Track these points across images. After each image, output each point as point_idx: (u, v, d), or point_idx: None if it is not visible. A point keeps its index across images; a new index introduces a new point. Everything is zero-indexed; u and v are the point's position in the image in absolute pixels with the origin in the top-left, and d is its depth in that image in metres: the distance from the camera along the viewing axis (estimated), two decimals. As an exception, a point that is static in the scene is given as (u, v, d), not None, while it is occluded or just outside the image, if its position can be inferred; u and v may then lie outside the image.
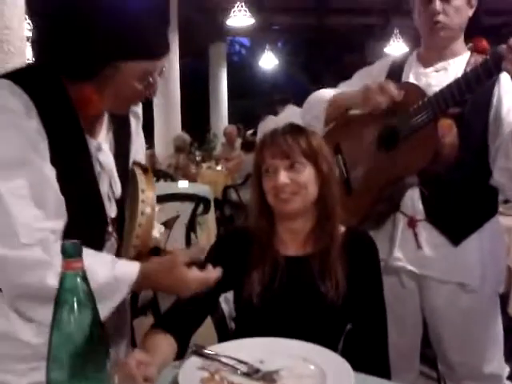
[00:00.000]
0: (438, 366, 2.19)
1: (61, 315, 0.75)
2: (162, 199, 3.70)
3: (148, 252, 1.24)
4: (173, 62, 7.47)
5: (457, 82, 1.48)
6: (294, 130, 1.39)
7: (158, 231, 1.41)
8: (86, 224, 1.15)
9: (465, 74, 1.48)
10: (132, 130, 1.35)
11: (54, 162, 1.08)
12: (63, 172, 1.09)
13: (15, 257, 1.01)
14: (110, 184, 1.23)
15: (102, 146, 1.21)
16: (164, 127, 7.54)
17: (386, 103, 1.60)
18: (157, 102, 7.52)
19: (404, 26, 8.11)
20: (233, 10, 6.92)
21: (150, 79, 1.12)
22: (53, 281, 0.95)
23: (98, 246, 1.20)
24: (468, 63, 1.63)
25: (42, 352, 1.10)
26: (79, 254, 0.75)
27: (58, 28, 1.03)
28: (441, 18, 1.59)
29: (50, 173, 1.07)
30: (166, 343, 1.23)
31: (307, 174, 1.35)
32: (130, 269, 1.10)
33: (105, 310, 1.05)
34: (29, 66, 1.22)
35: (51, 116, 1.08)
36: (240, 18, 6.97)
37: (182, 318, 1.32)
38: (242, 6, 6.86)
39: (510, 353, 1.76)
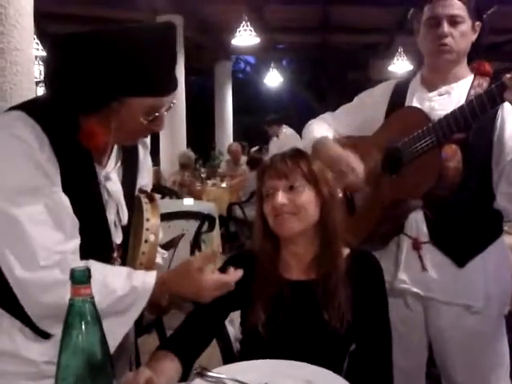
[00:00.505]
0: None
1: (69, 338, 0.77)
2: (167, 217, 3.70)
3: None
4: (179, 80, 7.50)
5: (461, 108, 1.49)
6: (295, 153, 1.39)
7: (160, 257, 1.43)
8: (92, 249, 1.17)
9: (470, 102, 1.48)
10: (140, 159, 1.38)
11: (65, 190, 1.11)
12: (73, 200, 1.12)
13: (35, 279, 1.05)
14: (117, 211, 1.26)
15: (111, 175, 1.24)
16: (169, 144, 7.57)
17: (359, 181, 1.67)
18: (162, 120, 7.57)
19: (408, 44, 8.16)
20: (238, 30, 6.99)
21: (157, 114, 1.14)
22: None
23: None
24: (472, 86, 1.64)
25: (47, 370, 1.14)
26: (88, 281, 0.77)
27: (70, 62, 1.06)
28: (448, 40, 1.61)
29: (64, 197, 1.11)
30: (170, 365, 1.24)
31: (306, 195, 1.34)
32: (148, 278, 1.14)
33: (128, 321, 1.11)
34: (41, 98, 1.25)
35: (63, 147, 1.11)
36: (245, 38, 7.03)
37: (187, 340, 1.32)
38: (247, 26, 6.92)
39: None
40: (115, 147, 1.28)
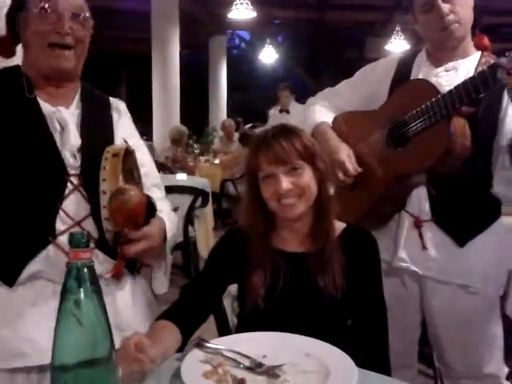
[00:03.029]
0: (435, 364, 2.20)
1: (67, 305, 0.74)
2: (160, 191, 3.69)
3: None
4: (173, 55, 7.44)
5: (473, 78, 1.46)
6: (286, 131, 1.36)
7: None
8: (42, 169, 1.24)
9: (482, 71, 1.45)
10: (114, 121, 1.44)
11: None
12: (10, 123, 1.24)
13: None
14: (69, 138, 1.30)
15: (61, 109, 1.32)
16: (163, 120, 7.51)
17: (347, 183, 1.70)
18: (156, 94, 7.50)
19: (406, 22, 8.08)
20: (234, 3, 6.87)
21: (48, 4, 1.23)
22: None
23: (57, 194, 1.25)
24: (479, 63, 1.61)
25: (12, 349, 1.17)
26: (87, 245, 0.74)
27: None
28: (451, 18, 1.57)
29: None
30: (170, 333, 1.23)
31: (307, 175, 1.34)
32: None
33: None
34: None
35: None
36: (241, 11, 6.93)
37: (187, 311, 1.32)
38: (243, -1, 6.82)
39: (509, 353, 1.76)
40: (77, 99, 1.38)
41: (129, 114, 1.53)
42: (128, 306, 1.36)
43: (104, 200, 1.17)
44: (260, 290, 1.32)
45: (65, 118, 1.31)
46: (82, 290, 0.74)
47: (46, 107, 1.30)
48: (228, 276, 1.40)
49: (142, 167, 1.38)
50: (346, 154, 1.70)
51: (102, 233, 1.22)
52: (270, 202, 1.35)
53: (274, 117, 7.10)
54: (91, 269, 0.75)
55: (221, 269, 1.40)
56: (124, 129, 1.45)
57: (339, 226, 1.41)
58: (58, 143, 1.28)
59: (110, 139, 1.39)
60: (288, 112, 6.94)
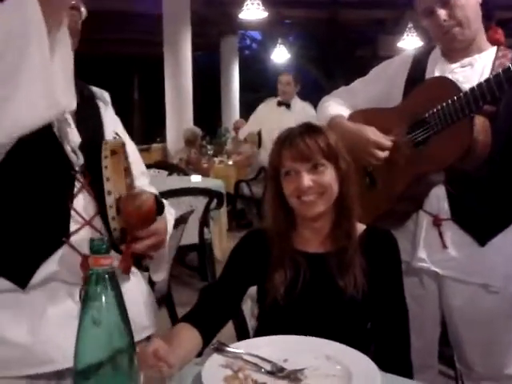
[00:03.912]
0: (455, 365, 2.17)
1: (89, 311, 0.74)
2: (175, 193, 3.70)
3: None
4: (185, 56, 7.47)
5: (496, 76, 1.43)
6: (311, 129, 1.37)
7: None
8: (48, 166, 1.20)
9: (507, 69, 1.42)
10: (101, 113, 1.40)
11: None
12: None
13: None
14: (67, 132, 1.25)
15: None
16: (176, 121, 7.54)
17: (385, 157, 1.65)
18: (169, 96, 7.53)
19: (418, 19, 8.02)
20: (245, 4, 6.87)
21: None
22: None
23: (67, 193, 1.22)
24: (496, 57, 1.59)
25: (37, 355, 1.11)
26: (107, 251, 0.74)
27: None
28: (450, 24, 1.56)
29: None
30: (190, 337, 1.23)
31: (329, 174, 1.35)
32: None
33: None
34: None
35: None
36: (253, 12, 6.91)
37: (208, 314, 1.32)
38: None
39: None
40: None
41: (111, 104, 1.49)
42: (132, 299, 1.35)
43: (109, 200, 1.16)
44: (280, 288, 1.33)
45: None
46: (103, 296, 0.74)
47: None
48: (249, 277, 1.40)
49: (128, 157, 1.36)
50: (371, 131, 1.68)
51: (110, 232, 1.22)
52: (291, 198, 1.36)
53: (267, 110, 5.55)
54: (112, 274, 0.75)
55: (242, 270, 1.40)
56: (112, 118, 1.44)
57: (360, 227, 1.41)
58: (59, 138, 1.24)
59: (102, 131, 1.37)
60: (289, 106, 5.35)
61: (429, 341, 1.77)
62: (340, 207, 1.38)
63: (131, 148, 1.45)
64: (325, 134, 1.37)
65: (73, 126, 1.27)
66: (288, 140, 1.36)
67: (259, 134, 5.87)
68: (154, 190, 1.47)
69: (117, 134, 1.31)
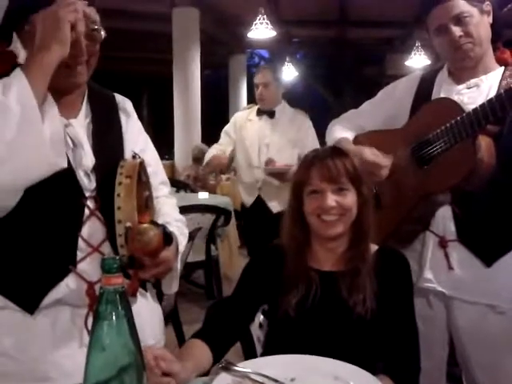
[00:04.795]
0: (464, 386, 2.15)
1: (100, 330, 0.75)
2: (182, 211, 3.68)
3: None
4: (194, 74, 7.54)
5: (499, 96, 1.45)
6: (339, 152, 1.43)
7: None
8: (59, 195, 1.20)
9: (510, 88, 1.44)
10: (122, 125, 1.39)
11: None
12: None
13: None
14: (81, 157, 1.25)
15: (72, 122, 1.26)
16: (184, 138, 7.59)
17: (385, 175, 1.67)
18: (177, 113, 7.59)
19: (426, 38, 8.06)
20: (254, 23, 6.95)
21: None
22: None
23: (76, 222, 1.22)
24: (503, 77, 1.60)
25: (36, 372, 1.13)
26: (118, 270, 0.75)
27: None
28: (462, 41, 1.58)
29: None
30: (201, 350, 1.25)
31: (351, 197, 1.38)
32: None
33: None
34: None
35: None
36: (261, 31, 6.98)
37: (219, 330, 1.33)
38: (263, 19, 6.88)
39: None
40: (84, 105, 1.31)
41: (135, 112, 1.48)
42: (140, 317, 1.36)
43: (119, 229, 1.17)
44: (291, 302, 1.35)
45: (77, 133, 1.26)
46: (113, 314, 0.75)
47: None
48: (262, 293, 1.42)
49: (149, 166, 1.37)
50: (369, 151, 1.70)
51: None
52: (311, 216, 1.39)
53: (243, 122, 3.67)
54: (123, 294, 0.76)
55: (255, 286, 1.42)
56: (133, 131, 1.43)
57: (372, 247, 1.43)
58: (72, 163, 1.23)
59: (121, 149, 1.36)
60: (272, 115, 3.49)
61: (437, 361, 1.76)
62: (357, 230, 1.40)
63: (153, 157, 1.46)
64: (350, 157, 1.42)
65: (87, 148, 1.27)
66: (317, 159, 1.40)
67: (231, 157, 3.88)
68: (174, 200, 1.49)
69: (135, 153, 1.30)
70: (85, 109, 1.32)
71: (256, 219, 3.49)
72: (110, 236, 1.23)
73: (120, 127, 1.39)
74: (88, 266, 1.22)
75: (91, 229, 1.24)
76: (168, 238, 1.19)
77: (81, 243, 1.23)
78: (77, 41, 1.16)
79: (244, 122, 3.68)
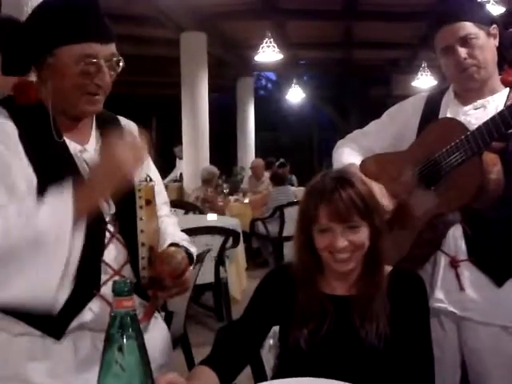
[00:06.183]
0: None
1: (110, 352, 0.76)
2: (191, 232, 3.71)
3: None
4: (202, 96, 7.62)
5: (502, 113, 1.45)
6: (345, 182, 1.34)
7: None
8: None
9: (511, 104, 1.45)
10: None
11: (30, 157, 1.19)
12: (43, 167, 1.19)
13: None
14: None
15: (87, 147, 1.29)
16: (193, 161, 7.64)
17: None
18: (186, 136, 7.65)
19: (432, 58, 8.13)
20: (261, 46, 7.03)
21: (88, 60, 1.20)
22: None
23: (98, 248, 1.24)
24: (508, 98, 1.61)
25: None
26: (130, 293, 0.76)
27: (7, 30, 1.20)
28: (468, 63, 1.59)
29: (17, 161, 1.16)
30: (209, 379, 1.23)
31: (363, 233, 1.33)
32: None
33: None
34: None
35: (19, 117, 1.20)
36: (268, 54, 7.07)
37: (227, 355, 1.32)
38: (270, 42, 6.97)
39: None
40: (94, 129, 1.35)
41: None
42: (150, 339, 1.36)
43: (143, 251, 1.18)
44: (303, 330, 1.32)
45: (93, 158, 1.28)
46: (124, 337, 0.75)
47: (72, 146, 1.29)
48: (273, 316, 1.40)
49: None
50: (377, 189, 1.67)
51: (139, 279, 1.24)
52: (323, 252, 1.35)
53: None
54: (134, 317, 0.76)
55: (266, 309, 1.40)
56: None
57: (385, 269, 1.40)
58: None
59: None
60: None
61: (450, 383, 1.74)
62: (370, 259, 1.37)
63: (156, 177, 1.48)
64: (359, 190, 1.34)
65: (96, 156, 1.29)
66: (325, 194, 1.32)
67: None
68: (175, 219, 1.52)
69: (148, 176, 1.32)
70: (95, 133, 1.36)
71: None
72: (132, 258, 1.26)
73: None
74: (110, 289, 1.23)
75: (113, 252, 1.27)
76: (191, 258, 1.22)
77: (104, 267, 1.25)
78: (100, 69, 1.22)
79: None
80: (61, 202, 1.09)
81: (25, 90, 1.25)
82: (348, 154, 1.88)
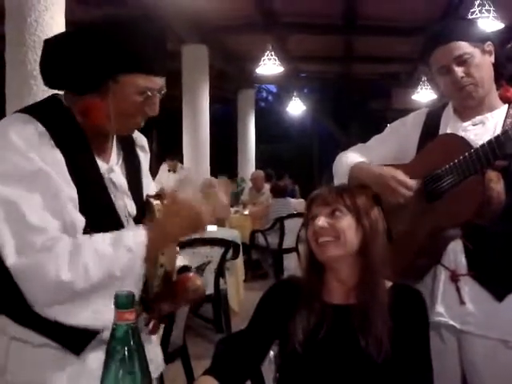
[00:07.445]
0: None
1: (112, 365, 0.76)
2: (191, 243, 3.71)
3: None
4: (203, 108, 7.65)
5: (505, 132, 1.46)
6: (341, 187, 1.48)
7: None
8: None
9: None
10: (141, 162, 1.44)
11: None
12: (79, 191, 1.18)
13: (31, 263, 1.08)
14: (125, 204, 1.29)
15: (114, 167, 1.30)
16: (193, 172, 7.64)
17: (409, 196, 1.62)
18: (186, 147, 7.67)
19: (432, 77, 8.16)
20: (262, 59, 7.08)
21: (149, 93, 1.22)
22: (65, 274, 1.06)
23: None
24: (508, 115, 1.62)
25: None
26: (132, 305, 0.76)
27: (68, 45, 1.19)
28: (466, 81, 1.60)
29: (66, 187, 1.16)
30: None
31: (346, 221, 1.37)
32: (137, 232, 1.15)
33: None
34: (41, 100, 1.33)
35: (62, 139, 1.19)
36: (269, 67, 7.12)
37: (231, 366, 1.33)
38: (271, 55, 7.01)
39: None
40: (114, 143, 1.35)
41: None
42: (149, 351, 1.37)
43: (160, 271, 1.20)
44: (300, 336, 1.34)
45: (119, 178, 1.30)
46: (125, 350, 0.76)
47: (101, 166, 1.28)
48: (276, 328, 1.41)
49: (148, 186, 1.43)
50: (398, 172, 1.67)
51: (146, 293, 1.24)
52: (311, 242, 1.39)
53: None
54: (135, 330, 0.77)
55: (269, 321, 1.42)
56: (146, 166, 1.47)
57: (386, 284, 1.42)
58: (117, 208, 1.27)
59: (142, 186, 1.40)
60: None
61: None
62: (363, 262, 1.39)
63: (154, 188, 1.49)
64: (353, 192, 1.43)
65: (129, 194, 1.31)
66: (317, 193, 1.44)
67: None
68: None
69: (162, 192, 1.33)
70: (116, 150, 1.36)
71: None
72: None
73: (139, 163, 1.43)
74: None
75: None
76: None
77: None
78: (155, 95, 1.25)
79: None
80: (136, 245, 1.12)
81: (95, 110, 1.23)
82: (353, 156, 1.87)
